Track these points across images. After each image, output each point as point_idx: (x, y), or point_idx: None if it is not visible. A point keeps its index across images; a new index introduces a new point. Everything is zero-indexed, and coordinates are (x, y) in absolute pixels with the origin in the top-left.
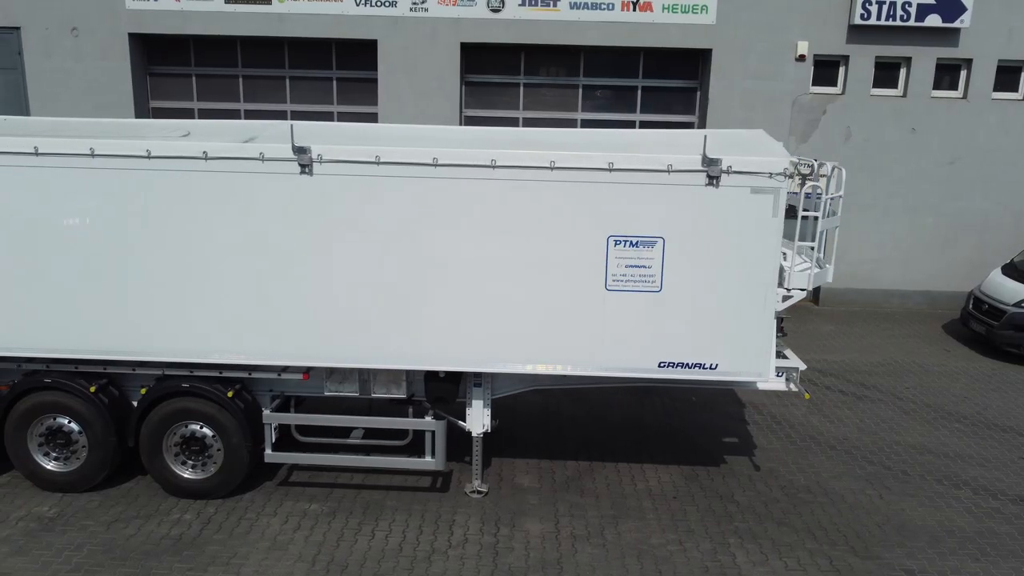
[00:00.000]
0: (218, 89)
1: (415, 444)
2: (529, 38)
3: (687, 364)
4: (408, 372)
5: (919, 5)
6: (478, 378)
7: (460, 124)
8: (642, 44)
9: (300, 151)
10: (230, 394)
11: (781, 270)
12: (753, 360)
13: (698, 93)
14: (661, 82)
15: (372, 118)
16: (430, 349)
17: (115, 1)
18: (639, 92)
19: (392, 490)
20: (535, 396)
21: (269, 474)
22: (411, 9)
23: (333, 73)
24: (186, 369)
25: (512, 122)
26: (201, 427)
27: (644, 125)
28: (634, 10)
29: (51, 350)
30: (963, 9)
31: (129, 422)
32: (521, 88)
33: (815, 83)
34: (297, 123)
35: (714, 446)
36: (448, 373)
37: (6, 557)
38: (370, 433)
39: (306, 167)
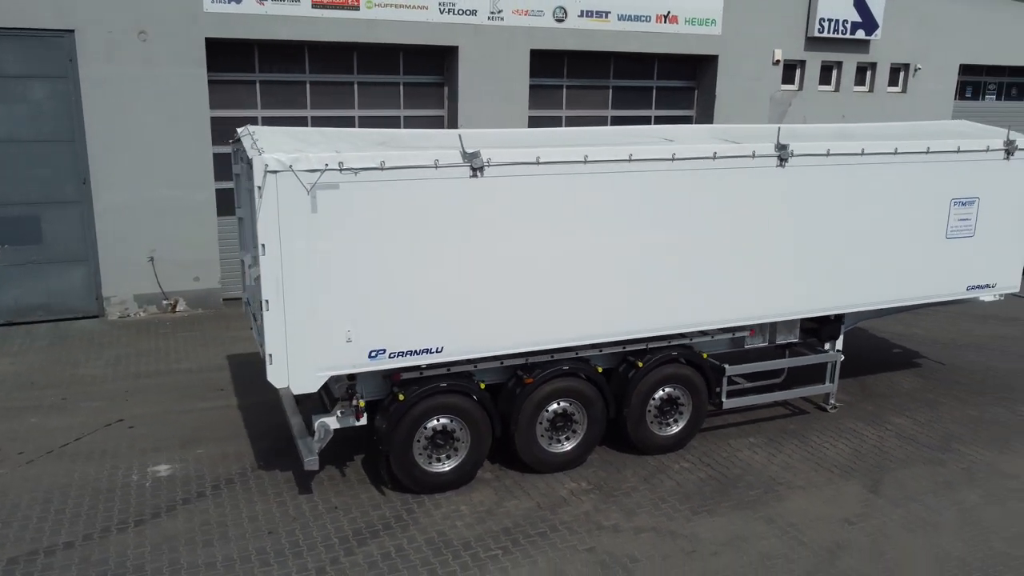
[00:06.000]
0: (282, 96)
1: (789, 381)
2: (587, 45)
3: (982, 286)
4: (800, 320)
5: (852, 22)
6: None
7: (527, 124)
8: (671, 51)
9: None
10: (705, 355)
11: None
12: (1013, 278)
13: (695, 92)
14: (669, 83)
15: (438, 122)
16: (829, 298)
17: (192, 3)
18: (654, 92)
19: (786, 417)
20: None
21: None
22: (489, 18)
23: (400, 78)
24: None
25: (557, 121)
26: (674, 388)
27: (658, 120)
28: (665, 22)
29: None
30: (876, 25)
31: (625, 394)
32: (564, 90)
33: (782, 83)
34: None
35: None
36: (836, 315)
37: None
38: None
39: (784, 160)
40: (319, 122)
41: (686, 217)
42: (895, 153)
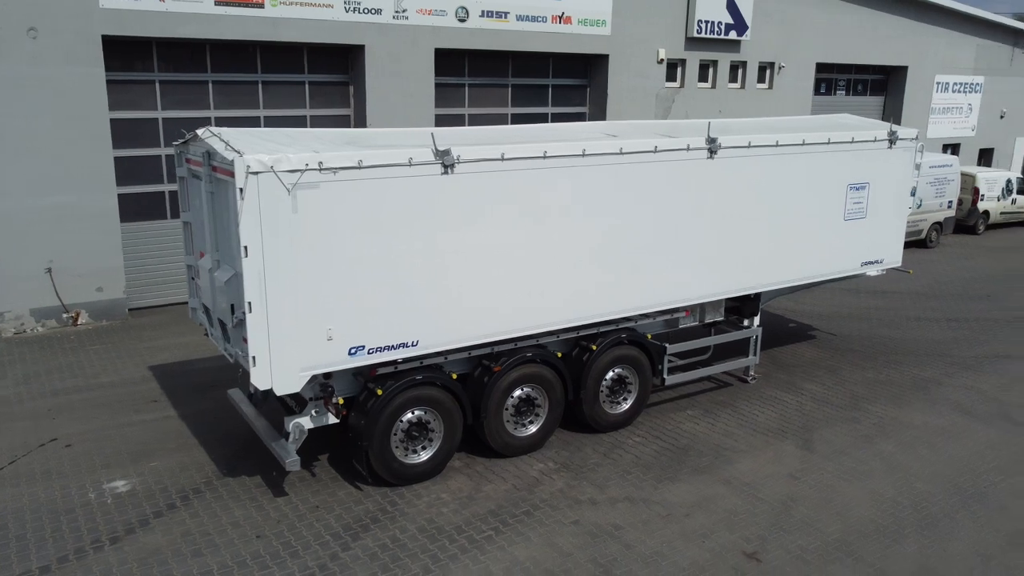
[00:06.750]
0: (184, 96)
1: (713, 356)
2: (488, 45)
3: (872, 261)
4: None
5: (726, 23)
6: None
7: (434, 123)
8: (566, 50)
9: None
10: (649, 336)
11: None
12: (895, 254)
13: (588, 89)
14: (564, 81)
15: (344, 121)
16: (752, 278)
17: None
18: (550, 90)
19: (713, 390)
20: None
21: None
22: (394, 17)
23: (305, 77)
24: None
25: (461, 119)
26: (623, 368)
27: (554, 117)
28: (560, 23)
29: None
30: (746, 27)
31: (582, 376)
32: (466, 89)
33: (666, 80)
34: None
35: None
36: (755, 294)
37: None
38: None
39: (714, 152)
40: (222, 122)
41: (632, 207)
42: (803, 144)
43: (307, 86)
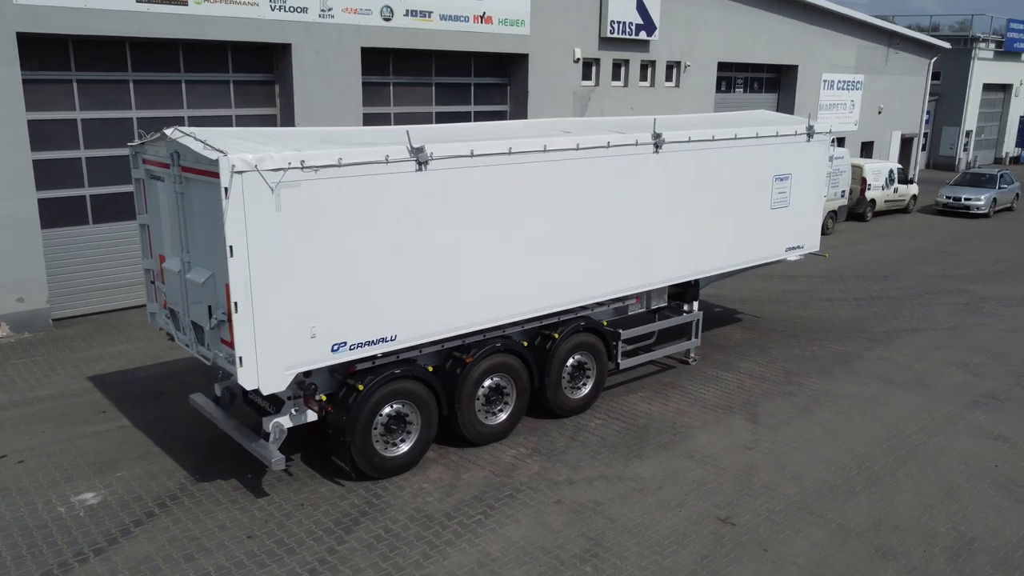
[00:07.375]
0: (103, 96)
1: (656, 340)
2: (412, 44)
3: (794, 247)
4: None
5: (636, 24)
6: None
7: (362, 122)
8: (488, 50)
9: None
10: (605, 323)
11: None
12: (814, 239)
13: (508, 88)
14: (485, 80)
15: (271, 120)
16: (694, 265)
17: None
18: (472, 88)
19: (659, 373)
20: None
21: None
22: (320, 15)
23: (230, 76)
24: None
25: (386, 117)
26: (582, 354)
27: (477, 115)
28: (481, 23)
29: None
30: (655, 27)
31: (545, 363)
32: (391, 88)
33: (582, 79)
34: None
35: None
36: (696, 280)
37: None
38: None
39: (659, 147)
40: (145, 123)
41: (588, 200)
42: (735, 138)
43: (232, 85)
